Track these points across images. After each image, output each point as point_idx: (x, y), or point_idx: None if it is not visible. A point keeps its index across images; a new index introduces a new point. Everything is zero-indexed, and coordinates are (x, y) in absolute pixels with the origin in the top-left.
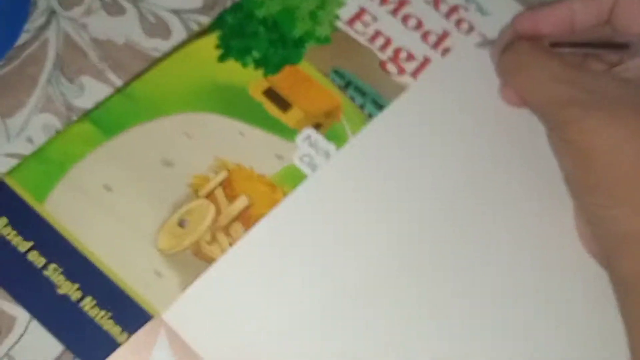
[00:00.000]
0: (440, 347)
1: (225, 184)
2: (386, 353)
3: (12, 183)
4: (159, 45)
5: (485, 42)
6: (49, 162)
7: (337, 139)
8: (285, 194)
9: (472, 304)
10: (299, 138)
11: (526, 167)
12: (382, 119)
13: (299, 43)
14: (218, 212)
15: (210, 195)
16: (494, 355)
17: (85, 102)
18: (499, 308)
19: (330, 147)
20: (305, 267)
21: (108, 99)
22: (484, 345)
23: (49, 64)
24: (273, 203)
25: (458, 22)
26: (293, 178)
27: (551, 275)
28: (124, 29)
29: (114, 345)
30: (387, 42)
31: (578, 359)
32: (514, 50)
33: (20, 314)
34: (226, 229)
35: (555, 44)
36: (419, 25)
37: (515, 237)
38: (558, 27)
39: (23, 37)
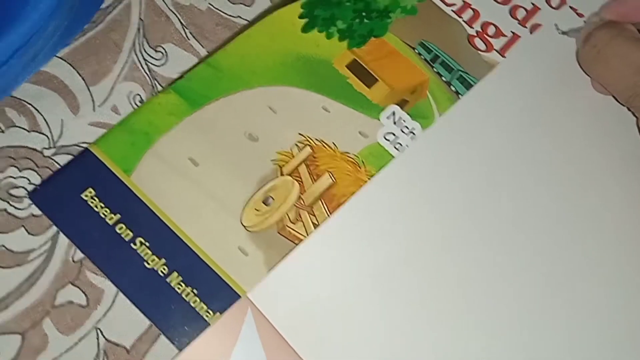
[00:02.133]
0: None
1: (309, 161)
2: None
3: (98, 153)
4: (241, 12)
5: (571, 31)
6: (136, 133)
7: (423, 117)
8: (368, 174)
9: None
10: (384, 115)
11: (617, 160)
12: (470, 98)
13: (385, 13)
14: (302, 190)
15: (294, 173)
16: None
17: (169, 71)
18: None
19: (416, 125)
20: (392, 252)
21: (193, 69)
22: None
23: (132, 29)
24: (357, 182)
25: None
26: (377, 157)
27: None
28: None
29: (199, 323)
30: (475, 15)
31: None
32: (593, 42)
33: (107, 287)
34: (310, 208)
35: None
36: None
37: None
38: None
39: (106, 0)
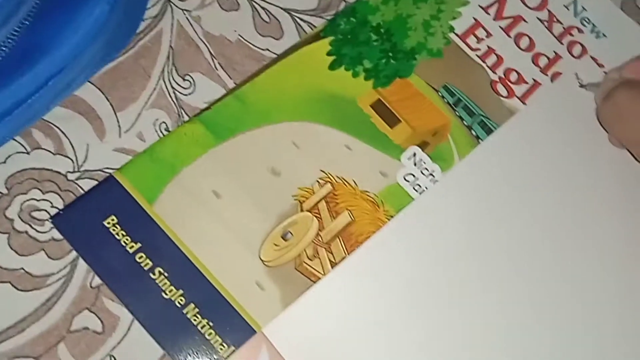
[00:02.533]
0: None
1: (329, 198)
2: None
3: (122, 181)
4: (270, 45)
5: (590, 85)
6: (160, 162)
7: (443, 160)
8: (387, 214)
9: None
10: (405, 156)
11: (632, 213)
12: (490, 143)
13: (411, 55)
14: (321, 226)
15: (313, 209)
16: None
17: (195, 100)
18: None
19: (436, 168)
20: (409, 294)
21: (220, 100)
22: None
23: (162, 57)
24: (375, 222)
25: (570, 45)
26: (396, 198)
27: None
28: (237, 25)
29: (214, 356)
30: (499, 60)
31: None
32: (613, 101)
33: (124, 314)
34: (328, 245)
35: None
36: (531, 45)
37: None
38: None
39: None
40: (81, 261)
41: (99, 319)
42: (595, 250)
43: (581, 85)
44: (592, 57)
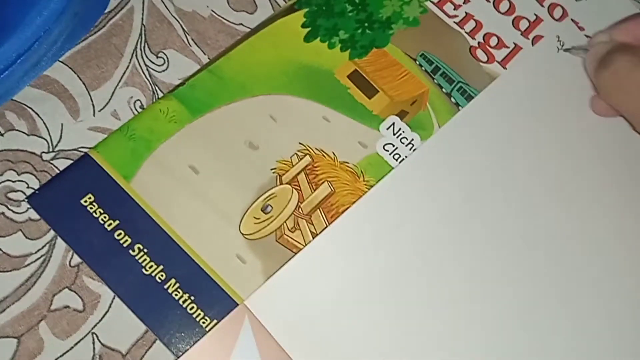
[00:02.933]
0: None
1: (308, 170)
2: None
3: (98, 159)
4: (244, 20)
5: (574, 49)
6: (136, 139)
7: (422, 128)
8: (367, 184)
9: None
10: (383, 126)
11: (612, 177)
12: (469, 110)
13: (387, 24)
14: (301, 198)
15: (293, 181)
16: None
17: (170, 77)
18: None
19: (415, 137)
20: (389, 261)
21: (195, 76)
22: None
23: (134, 35)
24: (356, 192)
25: (551, 7)
26: (376, 167)
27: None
28: (210, 0)
29: (196, 329)
30: (478, 26)
31: None
32: (614, 70)
33: (104, 292)
34: (309, 217)
35: None
36: (511, 8)
37: (592, 240)
38: None
39: (109, 5)
40: (59, 240)
41: (80, 297)
42: (580, 213)
43: (565, 49)
44: (572, 20)
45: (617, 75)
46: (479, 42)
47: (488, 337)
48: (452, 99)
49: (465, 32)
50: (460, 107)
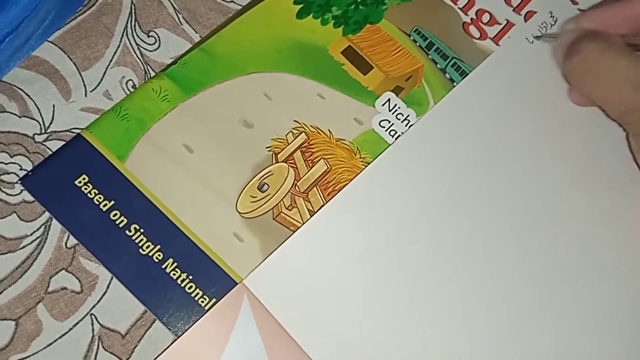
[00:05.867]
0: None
1: (304, 148)
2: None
3: (91, 139)
4: None
5: (545, 36)
6: (129, 118)
7: (418, 104)
8: (364, 160)
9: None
10: (379, 102)
11: (597, 161)
12: (464, 86)
13: (380, 0)
14: (297, 176)
15: (289, 159)
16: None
17: (161, 56)
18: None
19: (411, 112)
20: (387, 238)
21: (187, 54)
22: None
23: (124, 13)
24: (352, 169)
25: None
26: (372, 144)
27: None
28: None
29: (195, 309)
30: (471, 2)
31: None
32: (583, 57)
33: (102, 273)
34: (305, 194)
35: (633, 45)
36: None
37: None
38: (634, 24)
39: None
40: (55, 222)
41: (77, 278)
42: (575, 191)
43: (536, 38)
44: None
45: (585, 62)
46: (471, 18)
47: (492, 305)
48: (447, 75)
49: (459, 8)
50: (455, 83)
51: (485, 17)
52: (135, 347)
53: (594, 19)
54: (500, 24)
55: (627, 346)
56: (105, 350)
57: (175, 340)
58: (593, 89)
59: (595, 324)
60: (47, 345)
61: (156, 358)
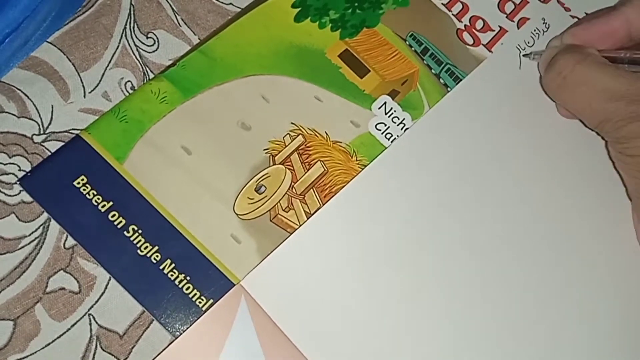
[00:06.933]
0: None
1: (301, 150)
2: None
3: (90, 140)
4: (234, 0)
5: (534, 54)
6: (128, 120)
7: (413, 108)
8: (360, 163)
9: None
10: (375, 105)
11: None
12: (458, 92)
13: (377, 4)
14: (294, 178)
15: (286, 161)
16: None
17: (160, 57)
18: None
19: (406, 116)
20: (383, 240)
21: (186, 56)
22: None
23: (123, 15)
24: (349, 171)
25: None
26: (368, 147)
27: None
28: None
29: (193, 309)
30: (464, 8)
31: None
32: (556, 69)
33: (100, 273)
34: (302, 196)
35: (611, 58)
36: None
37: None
38: (614, 40)
39: None
40: (53, 223)
41: (75, 279)
42: (568, 195)
43: (525, 55)
44: (558, 2)
45: (559, 75)
46: (465, 25)
47: (488, 308)
48: (441, 80)
49: (453, 15)
50: (449, 89)
51: (479, 24)
52: (133, 348)
53: (576, 35)
54: (494, 30)
55: (622, 346)
56: (103, 350)
57: (173, 341)
58: (568, 101)
59: (588, 327)
60: (46, 345)
61: (154, 358)
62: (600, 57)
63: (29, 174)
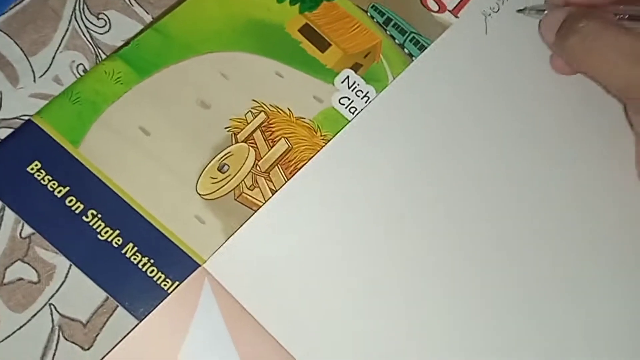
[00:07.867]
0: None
1: (264, 127)
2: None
3: (42, 124)
4: None
5: (532, 10)
6: (82, 102)
7: (377, 80)
8: (324, 138)
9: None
10: (338, 80)
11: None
12: (423, 60)
13: None
14: (258, 156)
15: (249, 139)
16: None
17: (112, 38)
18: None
19: (370, 89)
20: (350, 216)
21: (139, 35)
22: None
23: None
24: (313, 147)
25: None
26: (332, 122)
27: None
28: None
29: (157, 292)
30: None
31: None
32: (582, 36)
33: (59, 262)
34: (267, 174)
35: (617, 15)
36: None
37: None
38: None
39: None
40: (8, 211)
41: (34, 268)
42: (544, 162)
43: (519, 10)
44: None
45: (585, 41)
46: None
47: (460, 284)
48: (405, 50)
49: None
50: (413, 58)
51: None
52: (97, 335)
53: None
54: None
55: (625, 344)
56: (67, 340)
57: (137, 324)
58: (593, 66)
59: (593, 325)
60: (5, 338)
61: (117, 343)
62: (620, 22)
63: None
